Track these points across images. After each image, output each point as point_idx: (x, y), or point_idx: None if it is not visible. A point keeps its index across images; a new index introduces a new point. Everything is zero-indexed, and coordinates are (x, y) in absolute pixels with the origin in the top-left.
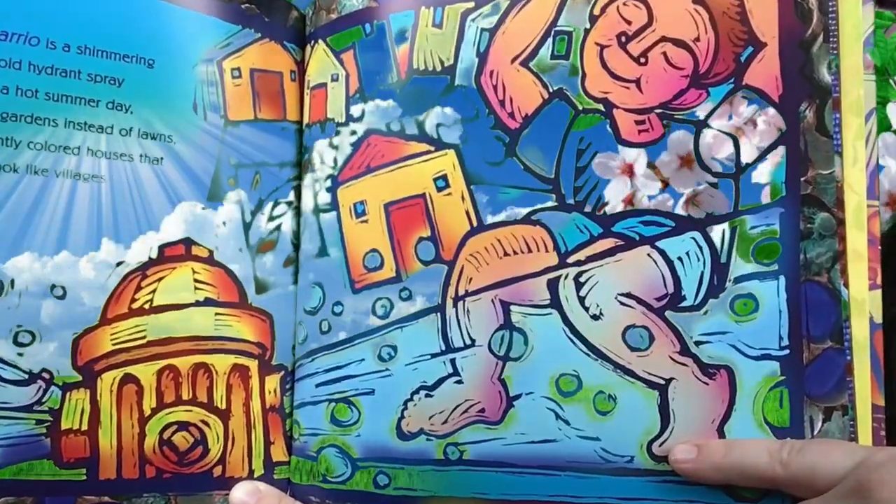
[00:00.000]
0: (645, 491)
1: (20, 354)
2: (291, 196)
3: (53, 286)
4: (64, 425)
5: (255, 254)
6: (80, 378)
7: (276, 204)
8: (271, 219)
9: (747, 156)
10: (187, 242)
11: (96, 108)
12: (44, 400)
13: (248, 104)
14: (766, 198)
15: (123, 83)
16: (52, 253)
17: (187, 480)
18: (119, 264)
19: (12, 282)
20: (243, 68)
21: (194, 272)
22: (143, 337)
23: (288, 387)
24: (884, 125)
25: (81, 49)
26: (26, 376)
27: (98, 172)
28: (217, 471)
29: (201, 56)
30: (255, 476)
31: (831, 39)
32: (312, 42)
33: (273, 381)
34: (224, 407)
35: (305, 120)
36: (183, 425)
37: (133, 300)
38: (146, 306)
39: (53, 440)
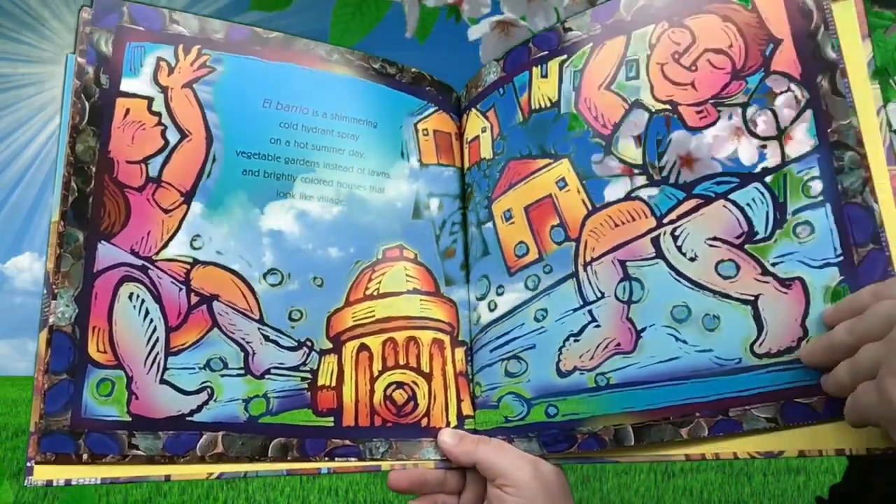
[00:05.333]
0: (754, 382)
1: (292, 327)
2: (460, 219)
3: (315, 277)
4: (320, 382)
5: (443, 258)
6: (331, 346)
7: (452, 224)
8: (451, 234)
9: (784, 121)
10: (400, 247)
11: (342, 155)
12: (307, 362)
13: (433, 153)
14: (804, 149)
15: (359, 138)
16: (321, 252)
17: (403, 429)
18: (357, 262)
19: (289, 275)
20: (429, 129)
21: (405, 269)
22: (373, 316)
23: (469, 358)
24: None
25: (333, 115)
26: (296, 344)
27: (343, 198)
28: (424, 422)
29: (404, 120)
30: (451, 426)
31: (830, 27)
32: (467, 111)
33: (460, 353)
34: (428, 371)
35: (466, 165)
36: (400, 384)
37: (366, 288)
38: (374, 293)
39: (312, 394)
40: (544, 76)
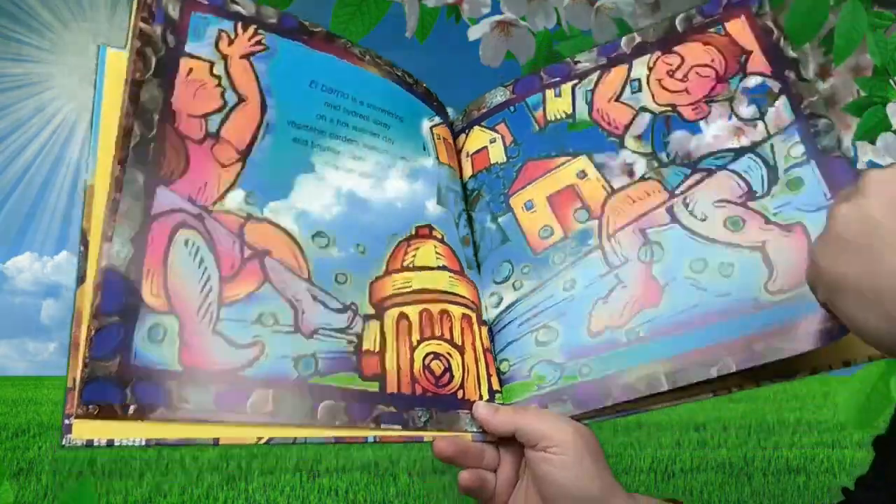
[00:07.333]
0: (772, 317)
1: (338, 290)
2: (465, 217)
3: (358, 244)
4: (364, 347)
5: (462, 244)
6: (374, 312)
7: (462, 217)
8: (464, 226)
9: (764, 107)
10: (430, 227)
11: (377, 138)
12: (352, 326)
13: (446, 155)
14: (785, 123)
15: (389, 128)
16: (361, 222)
17: (442, 400)
18: (393, 234)
19: (334, 239)
20: (439, 135)
21: (435, 247)
22: (410, 286)
23: (491, 338)
24: (883, 125)
25: (370, 105)
26: (342, 306)
27: (380, 175)
28: (460, 394)
29: (423, 122)
30: (483, 400)
31: (786, 37)
32: (467, 130)
33: (484, 331)
34: (460, 343)
35: (469, 172)
36: (436, 355)
37: (403, 260)
38: (410, 265)
39: (358, 358)
40: (558, 96)
